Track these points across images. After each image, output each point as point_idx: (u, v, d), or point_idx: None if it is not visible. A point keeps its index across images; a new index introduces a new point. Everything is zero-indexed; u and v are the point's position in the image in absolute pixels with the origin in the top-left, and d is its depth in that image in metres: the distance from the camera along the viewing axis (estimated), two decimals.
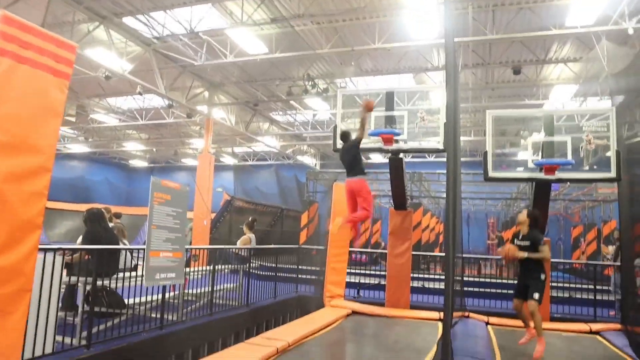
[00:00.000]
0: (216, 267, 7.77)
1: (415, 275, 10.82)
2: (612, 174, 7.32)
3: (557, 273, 11.86)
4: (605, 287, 10.41)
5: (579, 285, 11.77)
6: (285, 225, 20.23)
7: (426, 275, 12.65)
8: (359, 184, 6.90)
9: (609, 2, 9.51)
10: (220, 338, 7.41)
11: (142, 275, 5.12)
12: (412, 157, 22.91)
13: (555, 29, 10.35)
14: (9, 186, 2.79)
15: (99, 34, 12.03)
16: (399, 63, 13.21)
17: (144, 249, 5.12)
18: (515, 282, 8.94)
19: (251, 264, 9.10)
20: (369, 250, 17.38)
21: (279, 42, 11.95)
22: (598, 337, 7.85)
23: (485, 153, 7.97)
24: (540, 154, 7.82)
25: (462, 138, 9.03)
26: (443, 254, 15.52)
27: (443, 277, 12.37)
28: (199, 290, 7.66)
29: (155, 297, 6.57)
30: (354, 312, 8.61)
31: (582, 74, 13.35)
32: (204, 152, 17.08)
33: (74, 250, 5.52)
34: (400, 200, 9.45)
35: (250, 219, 9.69)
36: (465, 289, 10.23)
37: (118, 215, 7.86)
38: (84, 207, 6.67)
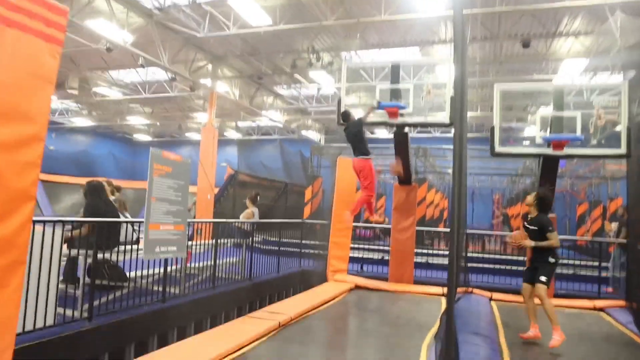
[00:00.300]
0: (219, 241, 7.74)
1: (419, 250, 10.79)
2: (622, 150, 7.17)
3: (562, 250, 11.79)
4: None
5: (583, 263, 11.75)
6: (289, 200, 20.21)
7: (430, 251, 12.63)
8: (361, 164, 7.25)
9: None
10: (223, 312, 7.42)
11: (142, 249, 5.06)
12: (418, 132, 22.70)
13: (567, 0, 10.04)
14: (1, 155, 2.70)
15: (99, 4, 11.80)
16: (405, 36, 12.92)
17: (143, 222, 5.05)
18: (520, 258, 8.95)
19: (254, 239, 9.07)
20: (372, 225, 17.35)
21: (283, 13, 11.69)
22: (602, 314, 7.82)
23: (493, 128, 7.82)
24: (548, 129, 7.67)
25: (468, 113, 8.88)
26: (447, 230, 15.50)
27: (447, 252, 12.36)
28: (202, 264, 7.65)
29: (157, 271, 6.55)
30: (357, 287, 8.61)
31: (593, 48, 13.04)
32: (208, 126, 16.95)
33: (74, 225, 5.47)
34: (405, 175, 9.34)
35: (253, 193, 9.61)
36: (469, 265, 10.20)
37: (118, 189, 7.80)
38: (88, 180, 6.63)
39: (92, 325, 4.95)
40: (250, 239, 8.72)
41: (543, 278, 5.47)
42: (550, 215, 8.84)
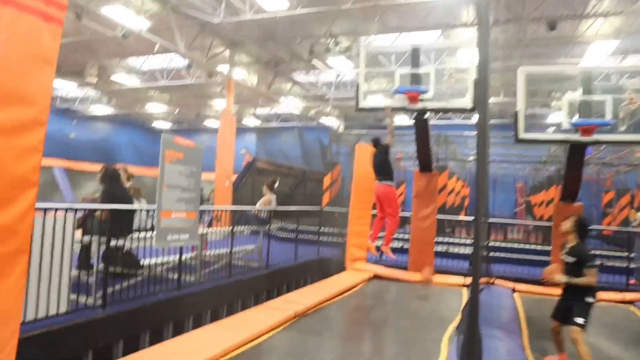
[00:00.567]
0: (236, 228, 7.65)
1: (440, 239, 10.56)
2: None
3: (589, 241, 11.41)
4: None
5: (610, 253, 11.38)
6: (308, 188, 20.07)
7: (451, 240, 12.40)
8: (386, 190, 7.25)
9: None
10: (240, 300, 7.33)
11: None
12: (438, 118, 22.29)
13: None
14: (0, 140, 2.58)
15: None
16: (425, 19, 12.53)
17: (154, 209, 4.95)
18: (546, 248, 8.58)
19: (272, 226, 8.97)
20: None
21: None
22: (632, 307, 7.52)
23: (517, 113, 7.52)
24: (575, 115, 7.35)
25: (491, 99, 8.55)
26: (468, 218, 15.22)
27: (468, 241, 12.11)
28: (218, 252, 7.57)
29: (173, 258, 6.49)
30: (376, 276, 8.45)
31: (623, 29, 12.50)
32: (226, 113, 16.83)
33: (88, 211, 5.42)
34: (425, 161, 9.11)
35: (270, 180, 9.49)
36: (491, 254, 9.95)
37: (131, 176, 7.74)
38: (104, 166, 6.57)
39: (106, 313, 4.90)
40: (268, 226, 8.62)
41: (580, 320, 4.51)
42: (577, 203, 8.61)
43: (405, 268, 9.03)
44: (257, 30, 14.14)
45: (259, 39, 14.92)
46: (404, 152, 21.47)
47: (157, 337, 5.49)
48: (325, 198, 16.79)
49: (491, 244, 10.96)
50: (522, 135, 7.47)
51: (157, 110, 27.06)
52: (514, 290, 8.17)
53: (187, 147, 5.04)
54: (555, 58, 14.44)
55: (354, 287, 7.52)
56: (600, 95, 7.12)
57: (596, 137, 7.11)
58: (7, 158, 2.60)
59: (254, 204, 9.64)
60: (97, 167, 6.43)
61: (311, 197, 18.93)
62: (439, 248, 10.42)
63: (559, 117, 7.77)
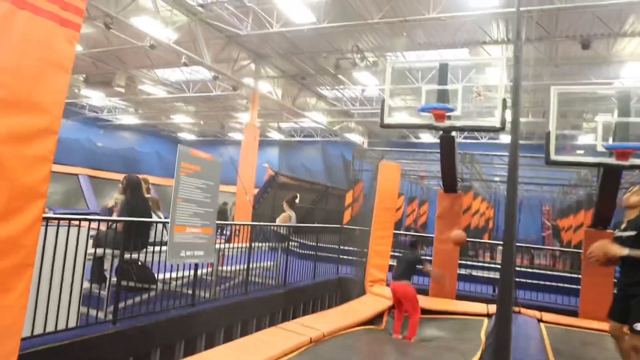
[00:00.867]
0: (254, 244, 7.48)
1: (462, 262, 10.20)
2: None
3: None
4: None
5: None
6: (329, 204, 19.87)
7: (475, 263, 12.02)
8: (404, 290, 7.04)
9: None
10: (255, 318, 7.13)
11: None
12: (464, 137, 21.94)
13: None
14: (8, 148, 2.47)
15: (144, 2, 11.84)
16: (454, 36, 12.36)
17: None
18: (574, 276, 8.05)
19: (291, 243, 8.78)
20: (416, 234, 16.80)
21: (327, 11, 11.37)
22: None
23: (548, 133, 7.23)
24: (609, 137, 7.02)
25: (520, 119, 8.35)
26: (493, 242, 14.80)
27: (492, 265, 11.70)
28: (235, 268, 7.41)
29: (188, 273, 6.34)
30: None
31: None
32: (250, 126, 16.85)
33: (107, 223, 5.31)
34: (450, 181, 8.83)
35: (290, 196, 9.32)
36: (516, 280, 9.57)
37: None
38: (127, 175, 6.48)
39: (116, 329, 4.74)
40: (286, 243, 8.43)
41: (638, 326, 3.61)
42: (608, 230, 8.21)
43: (426, 293, 8.72)
44: (284, 44, 14.14)
45: (285, 53, 14.92)
46: (427, 172, 21.17)
47: (168, 355, 5.33)
48: (347, 215, 16.55)
49: (516, 268, 10.55)
50: (554, 157, 7.17)
51: (182, 121, 27.34)
52: (540, 320, 7.78)
53: (205, 159, 4.90)
54: (587, 78, 14.05)
55: (373, 317, 7.23)
56: (637, 118, 6.80)
57: (633, 161, 6.78)
58: (16, 167, 2.48)
59: (275, 219, 9.49)
60: (121, 177, 6.32)
61: (332, 213, 18.72)
62: (462, 271, 10.07)
63: (590, 139, 7.48)
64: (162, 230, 5.67)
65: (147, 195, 6.79)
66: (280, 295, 7.84)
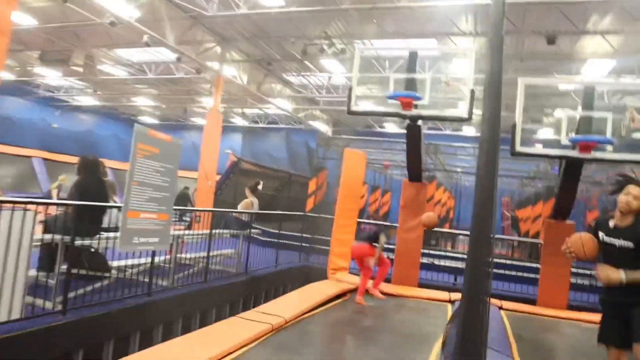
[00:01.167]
0: (215, 231, 7.25)
1: (425, 251, 10.25)
2: None
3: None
4: None
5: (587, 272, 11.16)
6: (292, 191, 19.70)
7: (436, 252, 12.12)
8: (360, 248, 7.39)
9: None
10: (215, 307, 6.94)
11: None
12: (427, 128, 22.09)
13: None
14: None
15: None
16: (423, 26, 12.27)
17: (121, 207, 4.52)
18: (533, 265, 8.13)
19: (253, 230, 8.59)
20: (378, 222, 16.84)
21: None
22: None
23: (514, 125, 7.27)
24: (567, 132, 7.11)
25: (477, 111, 8.31)
26: (460, 231, 15.01)
27: (454, 254, 11.82)
28: (194, 255, 7.17)
29: (144, 261, 6.08)
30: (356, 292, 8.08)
31: (621, 49, 12.37)
32: (213, 111, 16.41)
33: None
34: (415, 171, 8.82)
35: (253, 182, 9.10)
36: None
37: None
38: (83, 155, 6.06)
39: (66, 320, 4.47)
40: (248, 230, 8.23)
41: None
42: (568, 221, 8.37)
43: (388, 281, 8.71)
44: (250, 27, 13.77)
45: (252, 36, 14.54)
46: (391, 161, 21.27)
47: (122, 347, 5.08)
48: (310, 203, 16.44)
49: None
50: (519, 148, 7.22)
51: (143, 104, 26.49)
52: (500, 308, 7.88)
53: (164, 141, 4.62)
54: (550, 74, 14.27)
55: (334, 300, 7.16)
56: (600, 112, 6.90)
57: (595, 154, 6.89)
58: None
59: (237, 205, 9.26)
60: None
61: (295, 201, 18.57)
62: (424, 260, 10.12)
63: (550, 134, 7.57)
64: (118, 215, 5.37)
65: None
66: (241, 284, 7.67)
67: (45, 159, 23.34)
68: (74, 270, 4.75)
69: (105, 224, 5.36)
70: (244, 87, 18.24)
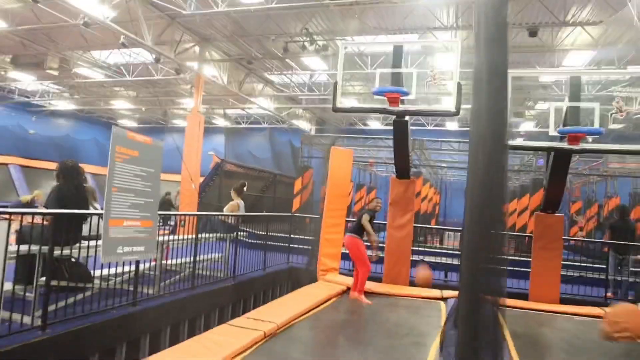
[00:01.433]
0: (201, 235, 7.03)
1: (414, 248, 10.15)
2: None
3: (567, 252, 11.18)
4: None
5: (581, 264, 11.20)
6: (278, 192, 19.48)
7: (426, 249, 12.04)
8: (349, 242, 7.34)
9: None
10: (203, 314, 6.73)
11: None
12: (411, 124, 22.05)
13: None
14: None
15: None
16: (405, 20, 12.17)
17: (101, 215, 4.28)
18: (526, 259, 8.11)
19: (240, 233, 8.37)
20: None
21: None
22: None
23: None
24: (554, 123, 7.05)
25: (463, 106, 8.18)
26: (454, 228, 14.96)
27: (443, 251, 11.75)
28: (180, 261, 6.94)
29: (129, 269, 5.83)
30: (350, 289, 7.94)
31: (600, 40, 12.42)
32: (194, 112, 16.14)
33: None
34: (403, 167, 8.68)
35: (238, 184, 8.88)
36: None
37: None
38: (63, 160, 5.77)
39: (45, 335, 4.23)
40: (235, 233, 8.02)
41: None
42: (558, 214, 8.33)
43: (379, 280, 8.58)
44: (229, 25, 13.53)
45: (231, 35, 14.30)
46: (377, 158, 21.18)
47: None
48: (296, 203, 16.24)
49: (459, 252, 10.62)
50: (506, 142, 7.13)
51: (122, 107, 26.01)
52: None
53: (144, 143, 4.39)
54: (532, 66, 14.31)
55: (326, 302, 6.99)
56: (588, 103, 6.86)
57: (583, 145, 6.84)
58: None
59: (222, 207, 9.03)
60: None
61: (281, 201, 18.36)
62: (414, 257, 10.01)
63: (532, 126, 7.52)
64: (98, 222, 5.12)
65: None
66: (229, 288, 7.47)
67: (22, 166, 22.75)
68: (54, 282, 4.51)
69: (85, 232, 5.10)
70: (225, 87, 17.98)
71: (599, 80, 14.89)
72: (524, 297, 8.14)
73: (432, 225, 17.70)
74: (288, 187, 18.52)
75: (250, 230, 10.40)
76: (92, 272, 5.32)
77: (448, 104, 7.33)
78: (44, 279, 4.40)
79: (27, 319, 4.37)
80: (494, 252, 2.91)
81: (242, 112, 26.64)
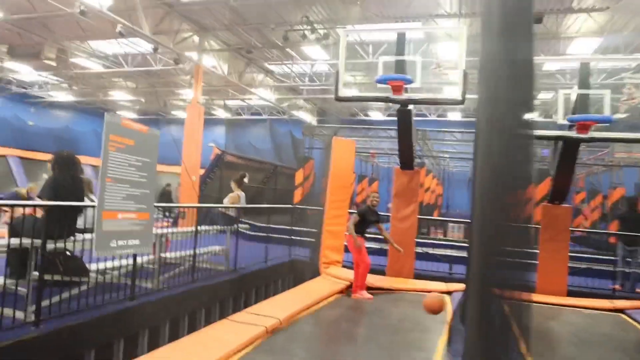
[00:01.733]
0: (202, 227, 6.87)
1: (418, 240, 9.98)
2: None
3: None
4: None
5: (584, 256, 11.05)
6: (279, 183, 19.31)
7: (430, 241, 11.88)
8: (347, 239, 7.34)
9: None
10: (204, 309, 6.58)
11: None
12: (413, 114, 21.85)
13: None
14: None
15: None
16: (407, 8, 11.93)
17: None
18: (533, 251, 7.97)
19: (240, 225, 8.22)
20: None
21: None
22: (622, 315, 7.10)
23: None
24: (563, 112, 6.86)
25: (468, 95, 7.96)
26: (448, 219, 14.79)
27: (448, 243, 11.60)
28: (180, 254, 6.78)
29: (126, 262, 5.67)
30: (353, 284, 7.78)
31: (607, 27, 12.17)
32: (193, 103, 15.92)
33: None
34: (407, 158, 8.50)
35: (239, 175, 8.71)
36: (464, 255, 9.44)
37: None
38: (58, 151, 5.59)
39: (39, 332, 4.08)
40: (236, 225, 7.86)
41: None
42: (565, 205, 8.16)
43: (383, 273, 8.43)
44: (229, 14, 13.27)
45: (230, 24, 14.04)
46: (378, 149, 20.99)
47: (105, 357, 4.71)
48: (298, 194, 16.08)
49: (464, 244, 10.46)
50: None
51: (121, 98, 25.77)
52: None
53: (140, 132, 4.20)
54: (537, 54, 14.05)
55: (329, 297, 6.83)
56: (598, 90, 6.66)
57: (593, 134, 6.65)
58: None
59: (222, 199, 8.87)
60: None
61: (282, 193, 18.20)
62: (418, 249, 9.86)
63: (534, 116, 7.30)
64: (94, 214, 4.95)
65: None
66: (230, 282, 7.31)
67: (21, 158, 22.60)
68: (48, 276, 4.35)
69: (80, 224, 4.93)
70: (225, 77, 17.75)
71: (605, 68, 14.65)
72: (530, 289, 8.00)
73: (436, 217, 17.54)
74: (289, 178, 18.35)
75: (252, 222, 10.26)
76: (88, 265, 5.16)
77: (453, 92, 7.09)
78: (36, 273, 4.24)
79: (20, 315, 4.23)
80: (514, 245, 2.73)
81: (243, 103, 26.40)
